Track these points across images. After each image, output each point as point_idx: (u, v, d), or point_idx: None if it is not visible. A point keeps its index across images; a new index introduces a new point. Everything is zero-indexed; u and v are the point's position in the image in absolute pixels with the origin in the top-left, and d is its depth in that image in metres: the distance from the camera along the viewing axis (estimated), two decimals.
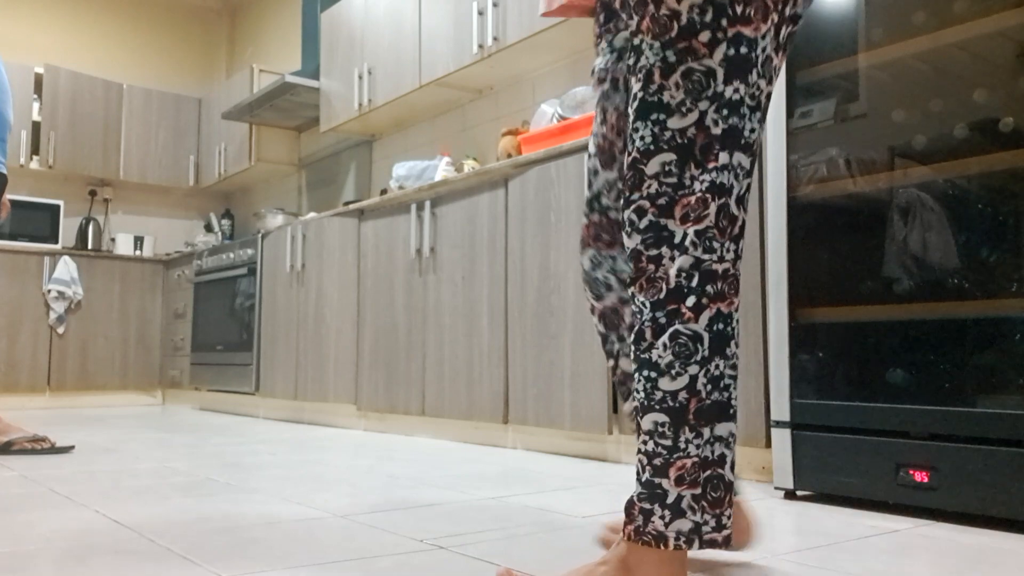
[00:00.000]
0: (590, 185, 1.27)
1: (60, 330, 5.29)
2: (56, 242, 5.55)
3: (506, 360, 2.90)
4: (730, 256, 1.01)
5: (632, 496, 1.02)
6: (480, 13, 3.48)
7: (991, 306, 1.59)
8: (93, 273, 5.48)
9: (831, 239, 1.84)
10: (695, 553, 1.36)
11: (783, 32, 1.05)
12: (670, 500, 0.99)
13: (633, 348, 1.03)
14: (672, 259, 0.99)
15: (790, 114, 1.93)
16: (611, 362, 1.31)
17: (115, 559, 1.31)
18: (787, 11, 1.03)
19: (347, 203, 4.21)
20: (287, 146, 5.65)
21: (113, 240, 6.05)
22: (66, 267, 5.31)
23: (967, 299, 1.62)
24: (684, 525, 0.98)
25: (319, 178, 5.48)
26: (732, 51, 0.98)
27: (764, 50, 1.02)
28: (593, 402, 2.56)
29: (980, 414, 1.58)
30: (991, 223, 1.60)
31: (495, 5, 3.42)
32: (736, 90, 1.00)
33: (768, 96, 1.05)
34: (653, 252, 1.00)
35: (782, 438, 1.89)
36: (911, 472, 1.67)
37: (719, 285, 1.00)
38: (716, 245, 1.00)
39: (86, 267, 5.45)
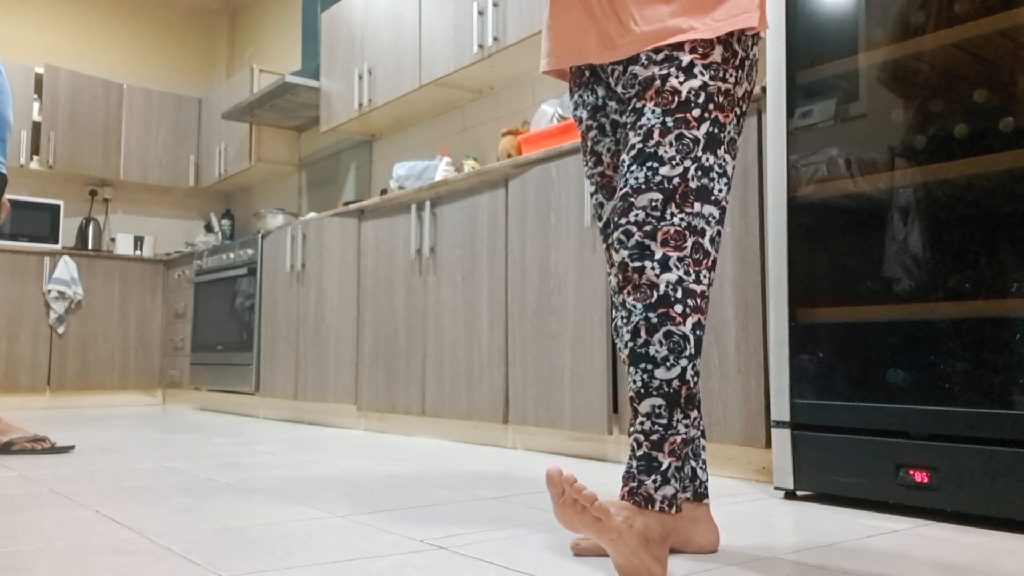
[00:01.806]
0: (600, 218, 1.49)
1: (60, 330, 5.29)
2: (56, 242, 5.55)
3: (506, 360, 2.90)
4: (705, 282, 1.25)
5: (630, 467, 1.22)
6: (480, 13, 3.48)
7: (991, 306, 1.59)
8: (93, 273, 5.48)
9: (831, 239, 1.84)
10: (694, 554, 1.36)
11: (741, 123, 1.35)
12: (663, 469, 1.20)
13: (629, 343, 1.23)
14: (654, 270, 1.22)
15: (790, 114, 1.93)
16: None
17: (115, 559, 1.31)
18: (743, 109, 1.34)
19: (347, 203, 4.21)
20: (287, 146, 5.65)
21: (113, 240, 6.05)
22: (66, 267, 5.31)
23: (967, 299, 1.62)
24: (668, 491, 1.21)
25: (319, 178, 5.48)
26: (712, 129, 1.26)
27: (729, 133, 1.30)
28: (593, 402, 2.56)
29: (980, 414, 1.58)
30: (991, 223, 1.60)
31: (495, 5, 3.42)
32: (708, 159, 1.27)
33: (732, 168, 1.32)
34: (637, 264, 1.23)
35: (782, 438, 1.89)
36: (911, 472, 1.67)
37: (697, 301, 1.24)
38: (692, 271, 1.23)
39: (86, 267, 5.45)
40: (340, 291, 3.86)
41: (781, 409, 1.89)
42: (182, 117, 6.19)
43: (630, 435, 1.23)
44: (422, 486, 2.07)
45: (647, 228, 1.23)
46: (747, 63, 1.32)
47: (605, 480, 2.18)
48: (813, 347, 1.85)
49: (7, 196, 2.89)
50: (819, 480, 1.82)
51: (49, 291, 5.24)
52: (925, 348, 1.67)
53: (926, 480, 1.64)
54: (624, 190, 1.26)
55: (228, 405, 4.94)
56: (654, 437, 1.20)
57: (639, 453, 1.21)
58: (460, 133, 4.26)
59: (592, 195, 1.49)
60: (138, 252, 5.96)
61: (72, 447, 2.82)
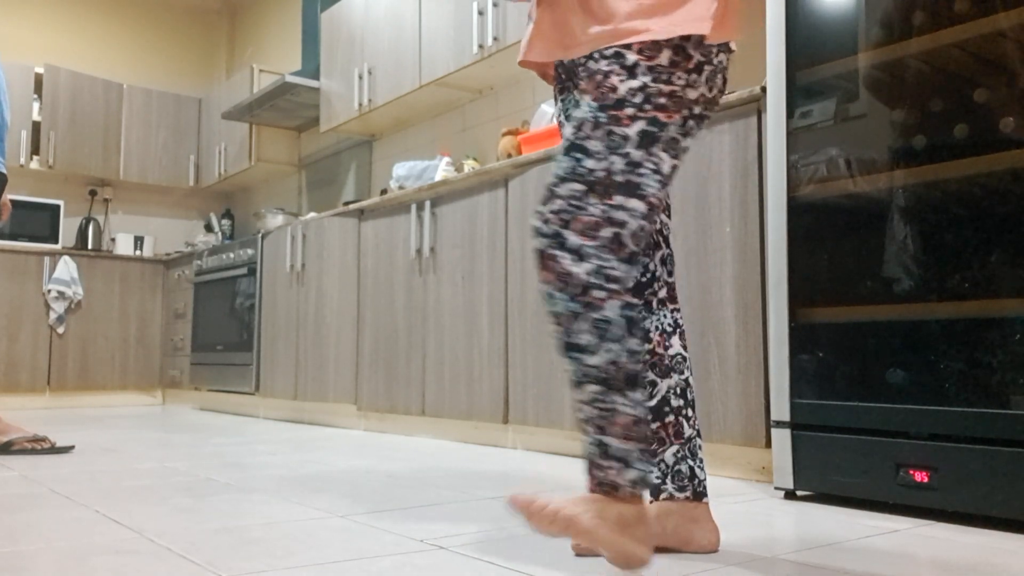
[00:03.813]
0: None
1: (60, 330, 5.29)
2: (56, 242, 5.55)
3: (506, 360, 2.90)
4: (622, 270, 1.25)
5: (588, 456, 1.22)
6: (480, 13, 3.48)
7: (991, 306, 1.59)
8: (93, 273, 5.48)
9: (831, 239, 1.84)
10: (694, 554, 1.36)
11: (690, 124, 1.36)
12: (617, 453, 1.19)
13: (557, 335, 1.25)
14: (569, 260, 1.24)
15: (790, 114, 1.93)
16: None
17: (115, 559, 1.31)
18: (696, 111, 1.36)
19: (347, 203, 4.21)
20: (287, 146, 5.65)
21: (113, 240, 6.05)
22: (66, 267, 5.31)
23: (967, 299, 1.62)
24: (633, 474, 1.19)
25: (319, 178, 5.48)
26: (647, 128, 1.28)
27: (670, 133, 1.31)
28: None
29: (980, 414, 1.58)
30: (991, 223, 1.60)
31: (495, 5, 3.42)
32: (639, 155, 1.28)
33: (672, 167, 1.34)
34: (552, 252, 1.24)
35: (782, 438, 1.89)
36: (911, 472, 1.67)
37: (620, 285, 1.24)
38: (610, 257, 1.24)
39: (86, 267, 5.45)
40: (340, 291, 3.86)
41: (781, 409, 1.89)
42: (182, 117, 6.18)
43: (581, 422, 1.24)
44: (422, 486, 2.07)
45: (564, 217, 1.25)
46: (707, 68, 1.34)
47: None
48: (813, 347, 1.85)
49: (7, 196, 2.90)
50: (819, 480, 1.82)
51: (49, 291, 5.24)
52: (925, 348, 1.67)
53: (926, 480, 1.64)
54: (550, 179, 1.28)
55: (228, 405, 4.94)
56: (600, 423, 1.21)
57: (590, 440, 1.22)
58: (460, 133, 4.26)
59: None
60: (138, 252, 5.96)
61: (72, 447, 2.82)
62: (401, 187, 3.74)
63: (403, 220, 3.47)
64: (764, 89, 2.13)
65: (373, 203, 3.66)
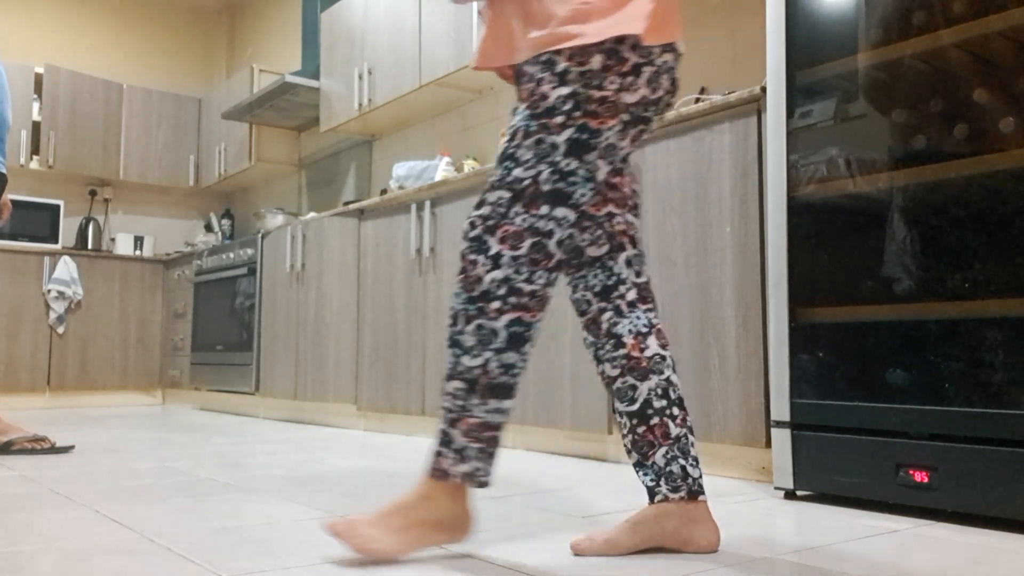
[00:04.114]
0: None
1: (60, 330, 5.29)
2: (56, 242, 5.55)
3: None
4: (540, 281, 1.31)
5: (434, 441, 1.32)
6: (480, 13, 3.48)
7: (991, 306, 1.59)
8: (93, 273, 5.48)
9: (831, 239, 1.84)
10: (694, 554, 1.36)
11: (631, 130, 1.36)
12: (456, 446, 1.30)
13: (448, 327, 1.32)
14: (484, 266, 1.29)
15: (790, 114, 1.93)
16: (599, 367, 1.46)
17: (115, 559, 1.31)
18: (638, 114, 1.35)
19: (347, 203, 4.21)
20: (287, 146, 5.65)
21: (113, 240, 6.05)
22: (66, 267, 5.31)
23: (967, 299, 1.62)
24: (465, 468, 1.30)
25: (319, 178, 5.48)
26: (578, 135, 1.30)
27: (607, 139, 1.33)
28: (593, 402, 2.56)
29: (980, 414, 1.58)
30: (991, 223, 1.60)
31: None
32: (570, 164, 1.31)
33: (607, 172, 1.36)
34: (472, 256, 1.30)
35: (782, 438, 1.89)
36: (911, 472, 1.67)
37: (523, 299, 1.30)
38: (525, 271, 1.30)
39: (86, 267, 5.44)
40: (340, 291, 3.86)
41: (781, 409, 1.89)
42: (182, 117, 6.18)
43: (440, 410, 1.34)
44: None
45: (489, 223, 1.30)
46: (647, 70, 1.32)
47: (604, 480, 2.18)
48: (813, 347, 1.85)
49: (8, 196, 2.90)
50: (819, 480, 1.82)
51: (49, 291, 5.24)
52: (925, 348, 1.67)
53: (926, 480, 1.64)
54: (487, 185, 1.33)
55: (228, 405, 4.94)
56: (452, 415, 1.31)
57: (440, 428, 1.32)
58: (460, 133, 4.26)
59: None
60: (138, 252, 5.96)
61: (72, 447, 2.82)
62: (401, 187, 3.74)
63: (403, 220, 3.47)
64: (764, 89, 2.13)
65: (373, 203, 3.66)
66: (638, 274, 1.46)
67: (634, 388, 1.40)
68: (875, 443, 1.73)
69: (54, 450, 2.76)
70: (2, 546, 1.39)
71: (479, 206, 1.32)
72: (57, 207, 5.61)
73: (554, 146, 1.30)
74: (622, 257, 1.45)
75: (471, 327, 1.30)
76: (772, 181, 1.94)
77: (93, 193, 6.11)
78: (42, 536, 1.48)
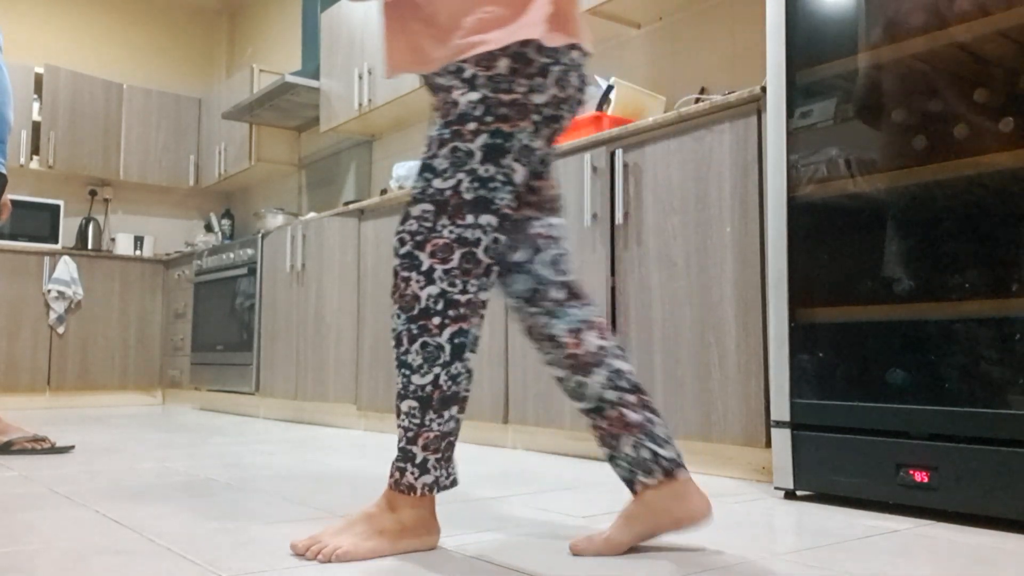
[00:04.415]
0: None
1: (60, 330, 5.29)
2: (56, 242, 5.55)
3: (506, 360, 2.90)
4: (473, 290, 1.33)
5: (394, 459, 1.36)
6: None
7: (991, 306, 1.59)
8: (93, 273, 5.48)
9: (831, 239, 1.84)
10: (692, 554, 1.36)
11: (544, 130, 1.37)
12: (418, 461, 1.33)
13: (394, 349, 1.35)
14: (418, 282, 1.31)
15: (790, 114, 1.93)
16: (551, 370, 1.48)
17: (115, 559, 1.31)
18: (545, 114, 1.36)
19: (347, 203, 4.21)
20: (287, 146, 5.65)
21: (113, 240, 6.05)
22: (66, 267, 5.31)
23: (967, 299, 1.62)
24: (428, 479, 1.34)
25: (319, 178, 5.48)
26: (492, 140, 1.31)
27: (521, 141, 1.34)
28: None
29: (980, 414, 1.58)
30: (991, 223, 1.60)
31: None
32: (488, 169, 1.31)
33: (525, 174, 1.37)
34: (405, 274, 1.32)
35: (782, 438, 1.89)
36: (911, 472, 1.67)
37: (460, 310, 1.33)
38: (459, 282, 1.31)
39: (86, 267, 5.44)
40: (340, 291, 3.86)
41: (781, 409, 1.89)
42: (182, 117, 6.18)
43: (397, 429, 1.35)
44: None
45: (418, 238, 1.31)
46: (554, 69, 1.34)
47: (604, 480, 2.18)
48: (813, 347, 1.85)
49: (8, 196, 2.90)
50: (819, 480, 1.82)
51: (49, 291, 5.24)
52: (925, 348, 1.67)
53: (926, 480, 1.64)
54: (409, 199, 1.34)
55: (228, 405, 4.94)
56: (410, 434, 1.34)
57: (399, 447, 1.35)
58: None
59: None
60: (138, 252, 5.96)
61: (72, 447, 2.82)
62: (401, 187, 3.74)
63: None
64: (764, 89, 2.13)
65: (373, 203, 3.66)
66: (563, 272, 1.46)
67: (583, 385, 1.40)
68: (875, 443, 1.73)
69: (54, 450, 2.76)
70: (2, 546, 1.39)
71: (404, 220, 1.33)
72: (57, 207, 5.61)
73: (470, 153, 1.31)
74: (543, 259, 1.45)
75: (416, 346, 1.32)
76: (772, 181, 1.94)
77: (93, 193, 6.11)
78: (42, 536, 1.48)
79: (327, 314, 3.94)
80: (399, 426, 1.35)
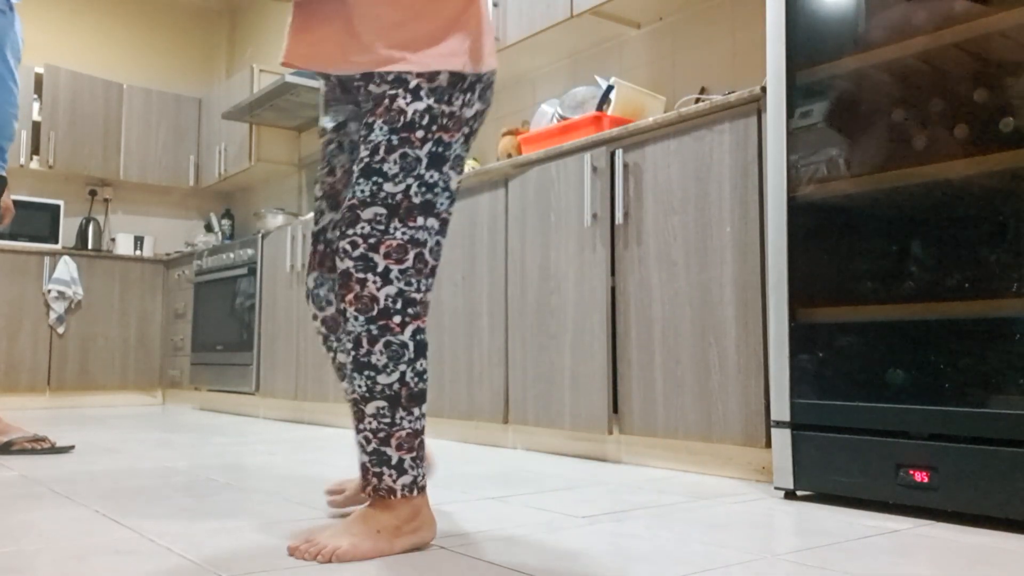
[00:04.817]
0: (317, 222, 1.58)
1: (60, 330, 5.29)
2: (56, 242, 5.55)
3: (506, 360, 2.90)
4: (424, 288, 1.38)
5: (364, 463, 1.36)
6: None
7: (991, 306, 1.59)
8: (93, 273, 5.48)
9: (831, 239, 1.84)
10: (692, 553, 1.36)
11: (469, 141, 1.47)
12: (394, 463, 1.35)
13: (352, 352, 1.36)
14: (375, 283, 1.34)
15: (790, 114, 1.93)
16: (331, 355, 1.62)
17: (115, 559, 1.31)
18: (473, 127, 1.46)
19: None
20: (287, 146, 5.65)
21: (113, 240, 6.04)
22: (66, 267, 5.31)
23: (967, 299, 1.62)
24: (407, 479, 1.35)
25: None
26: (435, 148, 1.38)
27: (455, 151, 1.42)
28: (593, 402, 2.56)
29: (980, 414, 1.58)
30: (991, 223, 1.60)
31: (495, 5, 3.42)
32: (433, 175, 1.38)
33: (457, 183, 1.44)
34: (361, 275, 1.34)
35: (782, 438, 1.89)
36: (911, 472, 1.67)
37: (417, 308, 1.37)
38: (414, 281, 1.36)
39: (86, 267, 5.44)
40: None
41: (781, 409, 1.89)
42: (182, 117, 6.18)
43: (358, 433, 1.37)
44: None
45: (371, 241, 1.34)
46: (479, 85, 1.44)
47: (604, 480, 2.19)
48: (813, 347, 1.85)
49: (10, 197, 2.92)
50: (819, 480, 1.82)
51: (49, 291, 5.24)
52: (925, 348, 1.67)
53: (926, 480, 1.64)
54: (352, 201, 1.36)
55: (228, 405, 4.94)
56: (381, 435, 1.35)
57: (369, 449, 1.36)
58: None
59: (317, 199, 1.60)
60: (138, 252, 5.96)
61: (72, 447, 2.82)
62: None
63: None
64: (764, 89, 2.13)
65: None
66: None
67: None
68: (875, 443, 1.73)
69: (54, 450, 2.76)
70: (2, 546, 1.39)
71: (353, 223, 1.35)
72: (57, 207, 5.61)
73: (418, 159, 1.37)
74: None
75: (379, 346, 1.34)
76: (772, 181, 1.94)
77: (93, 193, 6.11)
78: (42, 536, 1.48)
79: None
80: (367, 429, 1.35)
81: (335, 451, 2.86)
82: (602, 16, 3.18)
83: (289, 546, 1.34)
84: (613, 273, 2.55)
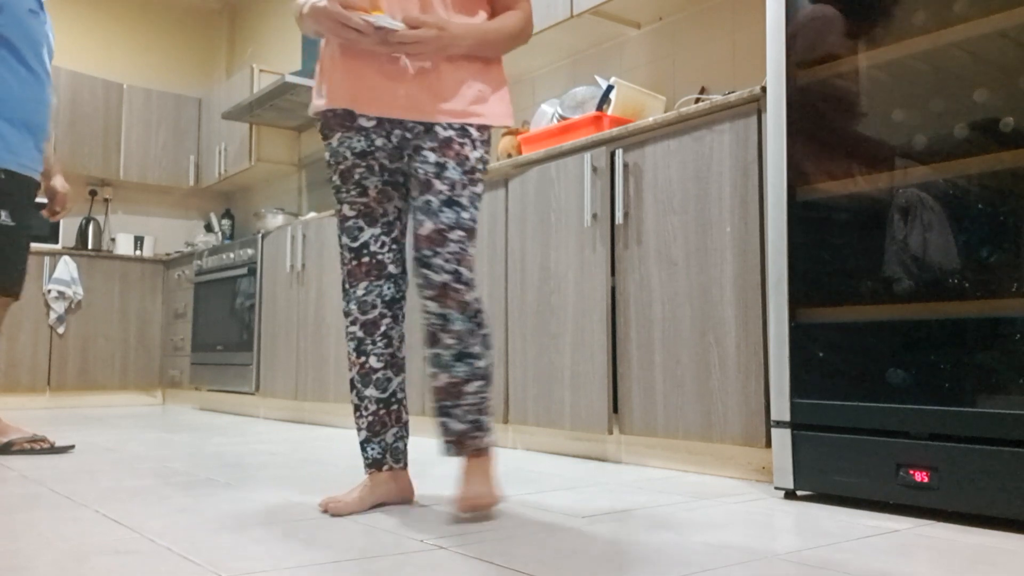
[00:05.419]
0: (356, 238, 1.80)
1: (60, 330, 5.29)
2: (56, 242, 5.55)
3: (506, 360, 2.90)
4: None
5: (463, 431, 1.68)
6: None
7: (991, 306, 1.59)
8: (93, 273, 5.48)
9: (831, 239, 1.84)
10: (693, 553, 1.36)
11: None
12: (488, 426, 1.71)
13: (456, 345, 1.66)
14: (466, 290, 1.66)
15: (790, 114, 1.92)
16: (363, 359, 1.80)
17: (115, 559, 1.31)
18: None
19: None
20: (287, 146, 5.65)
21: (113, 240, 6.05)
22: (66, 267, 5.31)
23: (967, 299, 1.62)
24: (493, 439, 1.73)
25: (319, 178, 5.48)
26: (482, 186, 1.75)
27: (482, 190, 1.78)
28: (593, 402, 2.56)
29: (980, 414, 1.58)
30: (991, 223, 1.60)
31: None
32: (478, 208, 1.76)
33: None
34: (455, 285, 1.65)
35: (782, 438, 1.89)
36: (911, 472, 1.67)
37: (485, 311, 1.78)
38: (477, 287, 1.70)
39: (86, 267, 5.45)
40: (340, 291, 3.86)
41: (781, 409, 1.89)
42: (182, 117, 6.18)
43: (453, 408, 1.68)
44: (422, 486, 2.07)
45: (460, 257, 1.66)
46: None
47: (604, 480, 2.18)
48: (813, 347, 1.85)
49: (62, 181, 2.96)
50: (819, 480, 1.82)
51: (49, 291, 5.24)
52: (925, 348, 1.67)
53: (926, 480, 1.64)
54: (439, 226, 1.66)
55: (228, 405, 4.94)
56: (480, 406, 1.69)
57: (470, 419, 1.68)
58: None
59: (350, 218, 1.80)
60: (138, 252, 5.96)
61: (72, 447, 2.82)
62: None
63: None
64: (764, 89, 2.13)
65: None
66: (405, 295, 1.85)
67: (389, 380, 1.81)
68: (875, 443, 1.73)
69: (54, 450, 2.76)
70: (2, 546, 1.39)
71: (443, 244, 1.65)
72: None
73: (477, 195, 1.72)
74: (406, 278, 1.84)
75: (476, 339, 1.67)
76: (772, 181, 1.94)
77: (93, 193, 6.11)
78: (42, 536, 1.48)
79: (327, 314, 3.94)
80: (462, 405, 1.67)
81: (335, 451, 2.86)
82: (602, 16, 3.18)
83: (458, 508, 1.63)
84: (613, 273, 2.55)
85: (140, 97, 6.01)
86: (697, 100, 2.72)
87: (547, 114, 3.23)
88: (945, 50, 1.69)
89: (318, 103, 1.78)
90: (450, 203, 1.67)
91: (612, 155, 2.57)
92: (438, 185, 1.67)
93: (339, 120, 1.76)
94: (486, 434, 1.70)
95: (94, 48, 6.25)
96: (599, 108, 2.90)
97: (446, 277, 1.64)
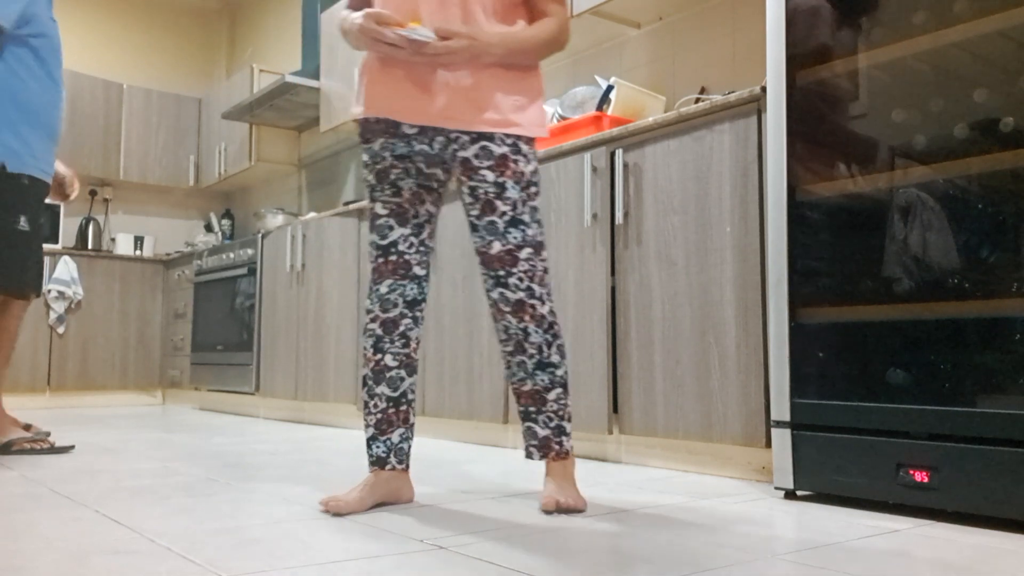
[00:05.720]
0: (385, 236, 1.81)
1: (60, 330, 5.29)
2: (56, 242, 5.54)
3: None
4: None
5: (545, 436, 1.79)
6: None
7: (991, 306, 1.59)
8: (93, 273, 5.48)
9: (831, 239, 1.84)
10: (692, 554, 1.36)
11: None
12: (568, 431, 1.81)
13: (536, 356, 1.76)
14: (540, 304, 1.74)
15: (790, 114, 1.92)
16: (379, 356, 1.81)
17: (115, 559, 1.31)
18: None
19: (347, 203, 4.20)
20: (287, 146, 5.65)
21: (113, 240, 6.05)
22: (66, 267, 5.31)
23: (967, 299, 1.62)
24: (571, 444, 1.82)
25: (319, 178, 5.48)
26: (535, 201, 1.77)
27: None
28: (593, 402, 2.56)
29: (980, 414, 1.58)
30: (991, 223, 1.60)
31: None
32: (541, 221, 1.78)
33: None
34: (530, 301, 1.73)
35: (782, 438, 1.89)
36: (911, 472, 1.67)
37: (558, 319, 1.89)
38: (553, 297, 1.71)
39: (86, 267, 5.44)
40: (340, 291, 3.86)
41: (781, 409, 1.89)
42: (182, 117, 6.18)
43: (538, 414, 1.78)
44: (422, 486, 2.08)
45: (531, 274, 1.73)
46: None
47: (604, 479, 2.18)
48: (813, 347, 1.85)
49: (69, 171, 3.00)
50: (819, 480, 1.82)
51: (49, 291, 5.24)
52: (925, 348, 1.67)
53: (926, 480, 1.64)
54: (508, 246, 1.72)
55: (228, 405, 4.94)
56: (561, 412, 1.79)
57: (552, 425, 1.78)
58: None
59: (384, 217, 1.81)
60: (138, 252, 5.96)
61: (72, 447, 2.82)
62: None
63: None
64: (764, 89, 2.13)
65: None
66: (426, 298, 1.88)
67: (402, 380, 1.82)
68: (875, 443, 1.73)
69: (54, 450, 2.77)
70: (2, 546, 1.39)
71: (514, 263, 1.72)
72: (57, 207, 5.61)
73: (536, 209, 1.76)
74: (429, 281, 1.86)
75: (554, 348, 1.76)
76: (772, 181, 1.94)
77: (93, 193, 6.11)
78: (42, 536, 1.48)
79: (327, 314, 3.94)
80: (545, 412, 1.78)
81: (335, 451, 2.86)
82: (602, 16, 3.18)
83: (544, 507, 1.70)
84: (613, 273, 2.55)
85: (140, 97, 6.01)
86: (697, 100, 2.72)
87: (547, 114, 3.23)
88: (945, 50, 1.69)
89: (357, 110, 1.80)
90: (515, 223, 1.72)
91: (612, 155, 2.57)
92: (501, 207, 1.72)
93: (383, 127, 1.77)
94: (567, 439, 1.79)
95: (94, 48, 6.25)
96: (599, 108, 2.90)
97: (521, 295, 1.73)
